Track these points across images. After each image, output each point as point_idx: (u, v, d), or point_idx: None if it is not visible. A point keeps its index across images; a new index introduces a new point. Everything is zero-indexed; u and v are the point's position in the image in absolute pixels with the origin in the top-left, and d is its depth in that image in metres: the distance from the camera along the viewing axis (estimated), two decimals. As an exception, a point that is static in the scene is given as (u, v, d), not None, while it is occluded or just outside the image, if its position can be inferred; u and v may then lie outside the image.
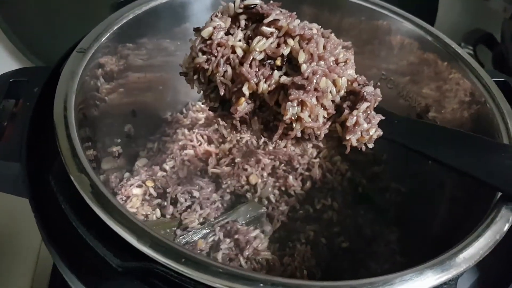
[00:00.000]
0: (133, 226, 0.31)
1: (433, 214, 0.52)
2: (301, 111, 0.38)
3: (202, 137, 0.61)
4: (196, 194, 0.54)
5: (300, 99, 0.38)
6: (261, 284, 0.30)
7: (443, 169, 0.48)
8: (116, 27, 0.47)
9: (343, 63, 0.41)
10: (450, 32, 0.96)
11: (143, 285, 0.33)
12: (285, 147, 0.61)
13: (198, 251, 0.49)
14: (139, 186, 0.54)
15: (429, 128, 0.45)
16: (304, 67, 0.38)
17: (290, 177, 0.58)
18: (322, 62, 0.39)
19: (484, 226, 0.37)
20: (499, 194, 0.39)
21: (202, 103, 0.65)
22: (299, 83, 0.38)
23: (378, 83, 0.40)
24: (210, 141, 0.61)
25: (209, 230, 0.52)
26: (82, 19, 0.83)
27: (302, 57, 0.39)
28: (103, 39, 0.46)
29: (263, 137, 0.60)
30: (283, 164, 0.60)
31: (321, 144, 0.62)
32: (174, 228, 0.52)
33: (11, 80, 0.47)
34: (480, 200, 0.41)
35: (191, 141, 0.60)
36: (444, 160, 0.41)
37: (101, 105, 0.48)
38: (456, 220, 0.48)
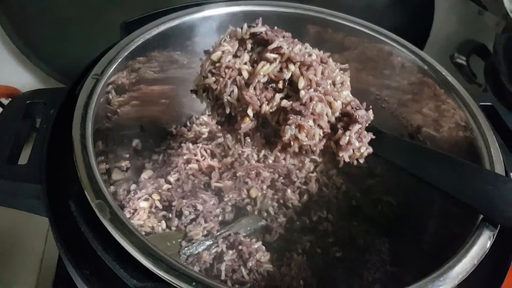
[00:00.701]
0: (149, 251, 0.35)
1: (422, 226, 0.55)
2: (299, 132, 0.42)
3: (206, 152, 0.63)
4: (200, 207, 0.58)
5: (297, 123, 0.41)
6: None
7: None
8: (127, 52, 0.50)
9: (340, 85, 0.45)
10: (444, 42, 1.00)
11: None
12: (284, 159, 0.65)
13: (202, 263, 0.53)
14: (146, 199, 0.57)
15: (417, 148, 0.49)
16: (302, 93, 0.42)
17: (288, 190, 0.62)
18: (320, 88, 0.43)
19: (468, 246, 0.40)
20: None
21: (208, 115, 0.68)
22: (297, 109, 0.42)
23: (371, 106, 0.44)
24: (213, 155, 0.64)
25: (212, 242, 0.55)
26: (89, 28, 0.86)
27: (301, 83, 0.43)
28: (116, 64, 0.49)
29: (264, 150, 0.63)
30: (281, 177, 0.64)
31: (318, 158, 0.65)
32: (179, 240, 0.55)
33: (27, 102, 0.50)
34: (467, 215, 0.44)
35: (195, 155, 0.63)
36: (427, 179, 0.44)
37: (113, 120, 0.52)
38: (444, 234, 0.51)
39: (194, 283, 0.33)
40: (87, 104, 0.44)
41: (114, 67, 0.49)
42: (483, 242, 0.40)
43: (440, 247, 0.48)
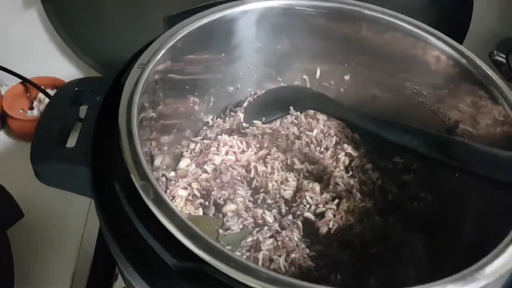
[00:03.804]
0: (190, 231, 0.36)
1: (459, 224, 0.55)
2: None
3: (241, 143, 0.65)
4: (238, 199, 0.59)
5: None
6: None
7: (470, 182, 0.52)
8: (172, 43, 0.52)
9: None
10: (483, 39, 0.98)
11: (195, 283, 0.37)
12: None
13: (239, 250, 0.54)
14: (185, 188, 0.59)
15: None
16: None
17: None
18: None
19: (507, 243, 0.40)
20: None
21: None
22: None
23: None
24: (248, 146, 0.65)
25: (249, 232, 0.56)
26: (130, 22, 0.89)
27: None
28: (160, 54, 0.50)
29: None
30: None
31: (353, 153, 0.65)
32: (217, 228, 0.56)
33: (76, 89, 0.52)
34: (507, 213, 0.44)
35: (231, 146, 0.64)
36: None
37: (156, 109, 0.53)
38: (481, 232, 0.51)
39: (232, 263, 0.34)
40: (133, 92, 0.46)
41: (158, 57, 0.50)
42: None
43: (478, 246, 0.48)
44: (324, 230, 0.57)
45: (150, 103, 0.50)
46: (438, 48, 0.57)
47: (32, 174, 0.47)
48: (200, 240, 0.35)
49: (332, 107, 0.61)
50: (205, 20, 0.55)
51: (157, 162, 0.56)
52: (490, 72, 0.52)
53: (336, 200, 0.60)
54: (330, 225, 0.58)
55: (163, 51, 0.51)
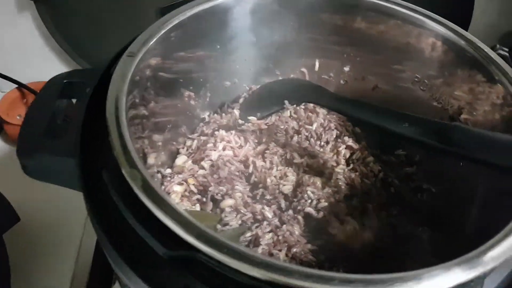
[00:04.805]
0: (180, 218, 0.34)
1: (464, 215, 0.53)
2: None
3: (239, 138, 0.63)
4: (236, 195, 0.57)
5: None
6: (297, 275, 0.32)
7: (474, 171, 0.50)
8: (162, 32, 0.50)
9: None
10: (485, 33, 0.97)
11: (187, 272, 0.35)
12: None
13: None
14: (180, 184, 0.57)
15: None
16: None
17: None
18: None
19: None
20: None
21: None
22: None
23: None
24: (246, 141, 0.63)
25: (248, 228, 0.54)
26: (126, 23, 0.88)
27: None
28: (150, 43, 0.49)
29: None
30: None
31: (354, 145, 0.64)
32: (214, 223, 0.54)
33: (64, 81, 0.51)
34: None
35: (229, 142, 0.62)
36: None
37: (146, 105, 0.52)
38: (487, 222, 0.49)
39: (225, 250, 0.33)
40: (121, 80, 0.44)
41: (148, 46, 0.49)
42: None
43: (484, 236, 0.46)
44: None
45: (140, 93, 0.49)
46: (435, 31, 0.55)
47: (29, 179, 0.46)
48: (191, 227, 0.34)
49: (326, 98, 0.59)
50: (197, 9, 0.54)
51: (151, 160, 0.54)
52: (493, 54, 0.51)
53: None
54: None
55: (153, 40, 0.49)
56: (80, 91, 0.49)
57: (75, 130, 0.44)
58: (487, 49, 0.51)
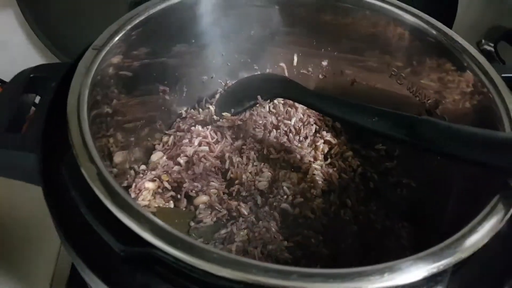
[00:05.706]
0: (135, 213, 0.33)
1: (442, 209, 0.52)
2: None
3: (216, 134, 0.62)
4: (211, 191, 0.56)
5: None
6: (254, 270, 0.31)
7: (451, 164, 0.49)
8: (130, 26, 0.49)
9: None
10: (471, 28, 0.96)
11: (144, 270, 0.34)
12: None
13: (212, 243, 0.51)
14: (153, 180, 0.56)
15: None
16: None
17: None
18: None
19: (480, 219, 0.37)
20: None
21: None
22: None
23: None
24: (223, 137, 0.62)
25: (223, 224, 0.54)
26: (104, 16, 0.86)
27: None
28: (117, 37, 0.48)
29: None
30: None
31: (332, 140, 0.63)
32: (188, 220, 0.53)
33: (31, 75, 0.50)
34: (488, 195, 0.41)
35: (205, 137, 0.61)
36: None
37: (114, 101, 0.50)
38: (464, 216, 0.48)
39: (178, 244, 0.32)
40: (84, 74, 0.43)
41: (116, 39, 0.48)
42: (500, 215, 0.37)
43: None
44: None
45: (106, 88, 0.48)
46: (408, 23, 0.55)
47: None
48: (145, 221, 0.33)
49: (297, 93, 0.59)
50: (168, 2, 0.53)
51: (117, 158, 0.53)
52: (466, 44, 0.50)
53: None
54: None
55: (121, 33, 0.48)
56: (46, 85, 0.48)
57: (38, 125, 0.43)
58: (460, 39, 0.51)
